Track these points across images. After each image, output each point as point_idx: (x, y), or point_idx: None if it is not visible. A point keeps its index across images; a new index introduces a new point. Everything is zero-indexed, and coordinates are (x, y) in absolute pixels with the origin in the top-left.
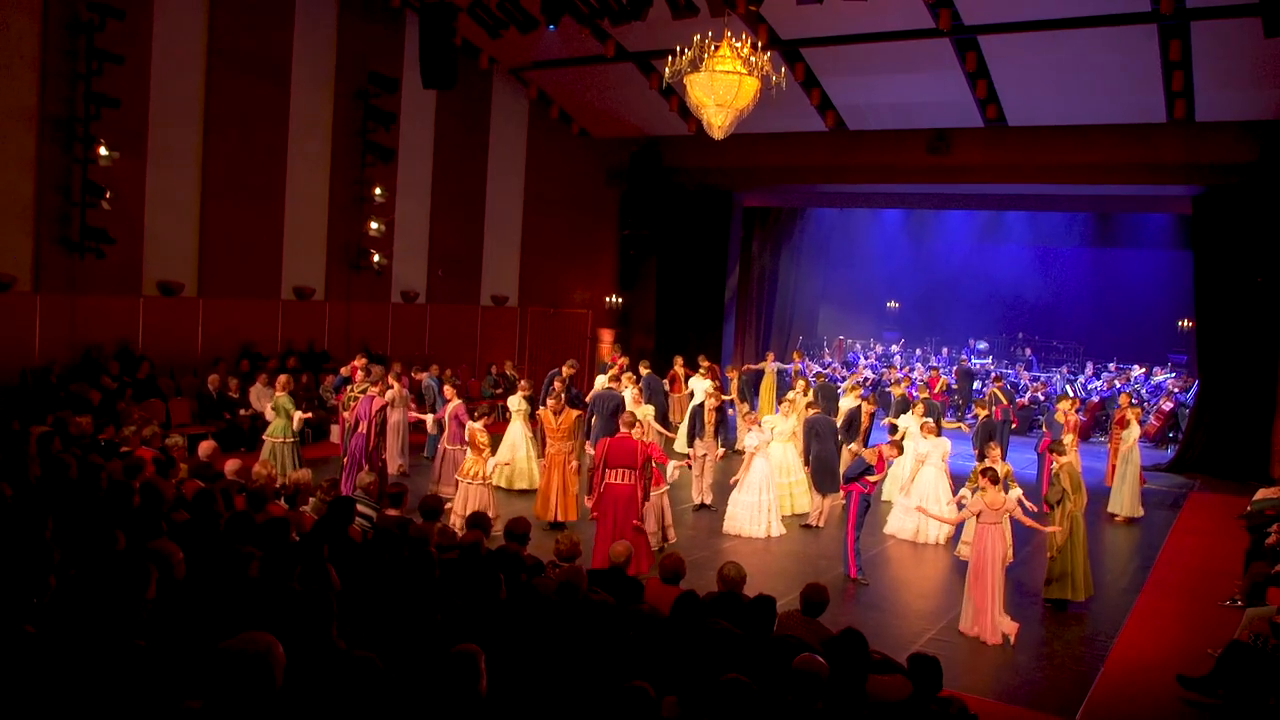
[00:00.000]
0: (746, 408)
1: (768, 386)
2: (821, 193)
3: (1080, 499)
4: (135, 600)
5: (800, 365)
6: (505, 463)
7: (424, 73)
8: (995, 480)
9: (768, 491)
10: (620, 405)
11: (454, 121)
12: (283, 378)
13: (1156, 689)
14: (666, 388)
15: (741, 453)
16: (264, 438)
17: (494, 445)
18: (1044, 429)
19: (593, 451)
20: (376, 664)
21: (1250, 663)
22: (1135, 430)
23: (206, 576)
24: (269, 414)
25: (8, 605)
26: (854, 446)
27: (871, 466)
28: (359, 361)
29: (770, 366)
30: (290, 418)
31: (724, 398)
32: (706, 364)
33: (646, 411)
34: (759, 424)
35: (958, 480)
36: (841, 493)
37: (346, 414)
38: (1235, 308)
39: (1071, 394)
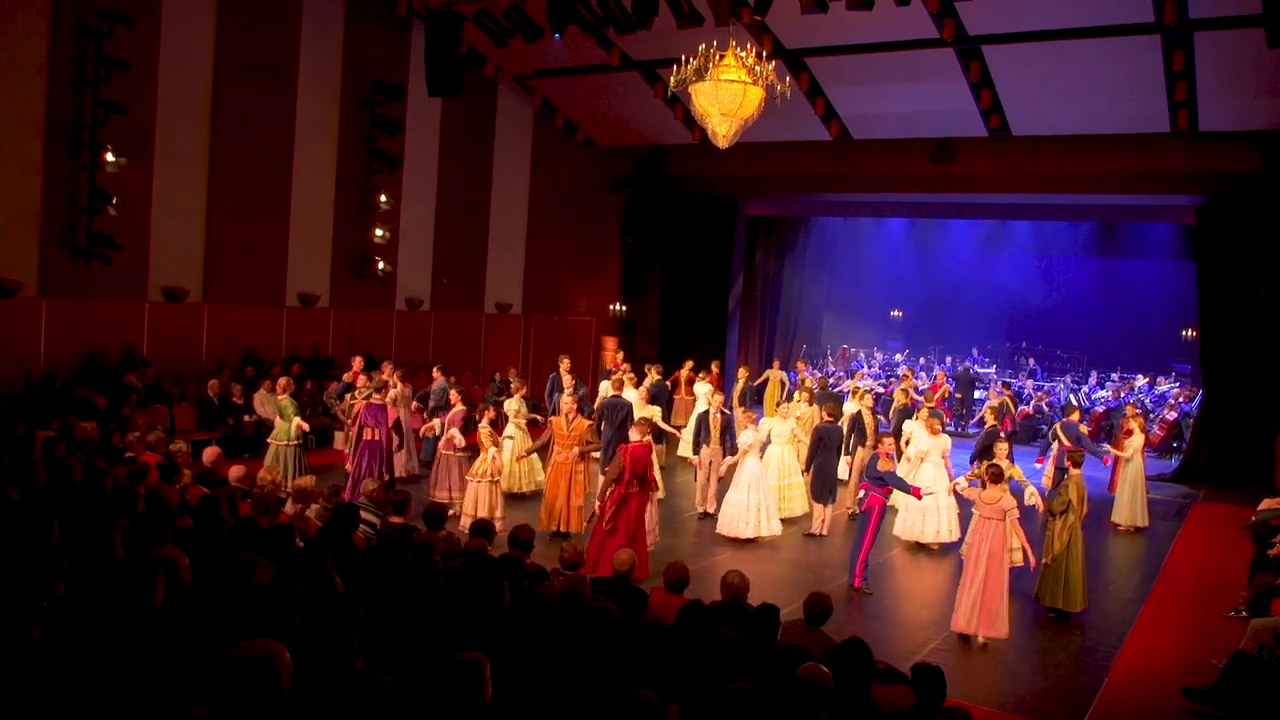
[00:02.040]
0: (742, 410)
1: (771, 395)
2: (825, 201)
3: (1082, 510)
4: (142, 606)
5: (806, 373)
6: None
7: (430, 80)
8: (997, 479)
9: (757, 490)
10: (630, 414)
11: (459, 129)
12: (283, 380)
13: (1161, 699)
14: (669, 389)
15: None
16: (269, 441)
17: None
18: (1064, 441)
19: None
20: (382, 678)
21: (1255, 674)
22: (1138, 439)
23: (211, 582)
24: (278, 420)
25: (15, 610)
26: (862, 453)
27: (893, 473)
28: (357, 364)
29: (777, 375)
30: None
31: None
32: (716, 369)
33: (653, 412)
34: (755, 423)
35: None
36: (861, 503)
37: (349, 421)
38: (1239, 317)
39: (1076, 404)
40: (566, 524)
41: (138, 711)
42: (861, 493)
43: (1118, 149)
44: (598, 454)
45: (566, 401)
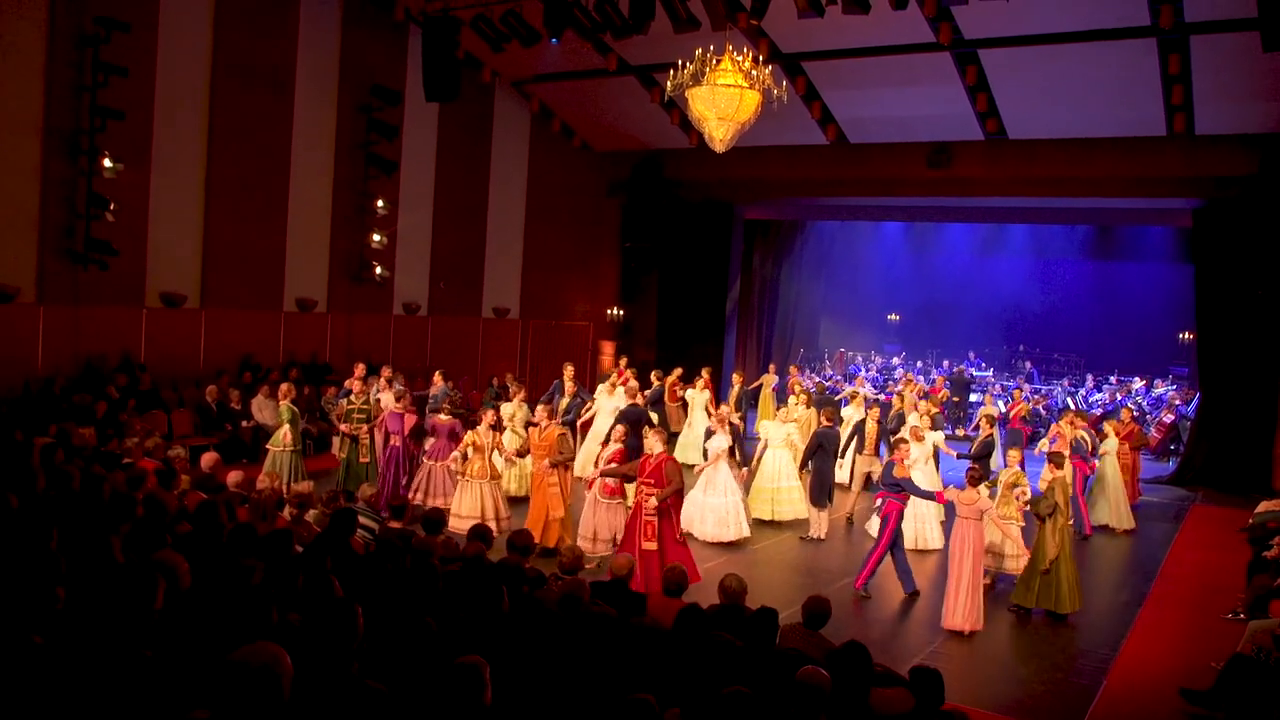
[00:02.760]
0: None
1: (765, 399)
2: (822, 205)
3: (1069, 512)
4: (142, 611)
5: (799, 378)
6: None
7: (427, 85)
8: (975, 482)
9: (733, 494)
10: (646, 421)
11: (456, 134)
12: (284, 386)
13: (1159, 702)
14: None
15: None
16: (267, 446)
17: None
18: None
19: (593, 470)
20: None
21: (1252, 676)
22: (1111, 442)
23: (211, 587)
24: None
25: (16, 615)
26: (860, 460)
27: (909, 479)
28: (359, 371)
29: (772, 380)
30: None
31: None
32: (707, 375)
33: (653, 418)
34: (727, 425)
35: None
36: (879, 510)
37: (345, 426)
38: (1236, 320)
39: (1074, 407)
40: (549, 539)
41: (139, 716)
42: (879, 500)
43: (1114, 152)
44: (581, 462)
45: (539, 411)
